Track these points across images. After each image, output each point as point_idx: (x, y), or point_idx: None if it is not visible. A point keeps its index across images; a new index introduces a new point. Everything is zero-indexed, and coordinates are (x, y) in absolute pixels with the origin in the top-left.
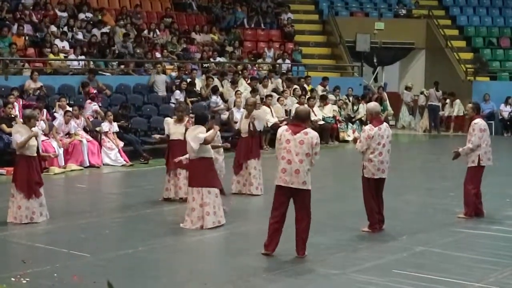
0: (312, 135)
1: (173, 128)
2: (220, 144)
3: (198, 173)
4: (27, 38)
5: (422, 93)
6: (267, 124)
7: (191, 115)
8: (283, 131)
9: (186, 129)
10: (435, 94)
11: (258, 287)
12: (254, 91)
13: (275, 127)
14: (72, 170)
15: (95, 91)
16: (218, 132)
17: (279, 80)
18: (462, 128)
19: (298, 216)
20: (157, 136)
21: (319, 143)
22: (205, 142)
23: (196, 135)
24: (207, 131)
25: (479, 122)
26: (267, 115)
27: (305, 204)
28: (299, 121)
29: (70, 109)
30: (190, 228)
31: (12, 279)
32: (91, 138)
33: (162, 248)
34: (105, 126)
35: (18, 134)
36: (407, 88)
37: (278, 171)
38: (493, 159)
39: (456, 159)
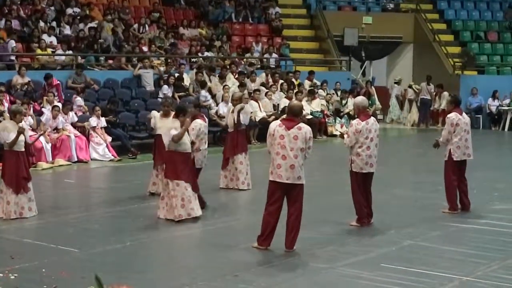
0: (305, 129)
1: (159, 122)
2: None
3: (170, 165)
4: (14, 33)
5: (410, 86)
6: (255, 118)
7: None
8: (276, 126)
9: None
10: (426, 88)
11: (247, 282)
12: (242, 85)
13: (263, 121)
14: (60, 165)
15: (58, 82)
16: (203, 127)
17: (263, 75)
18: None
19: (290, 210)
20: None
21: (312, 137)
22: (173, 139)
23: (169, 129)
24: (181, 125)
25: (451, 117)
26: (256, 110)
27: (299, 198)
28: (292, 116)
29: (58, 104)
30: (165, 217)
31: (0, 274)
32: (79, 133)
33: (150, 243)
34: (93, 121)
35: (6, 131)
36: (396, 82)
37: (273, 167)
38: (479, 153)
39: (436, 147)
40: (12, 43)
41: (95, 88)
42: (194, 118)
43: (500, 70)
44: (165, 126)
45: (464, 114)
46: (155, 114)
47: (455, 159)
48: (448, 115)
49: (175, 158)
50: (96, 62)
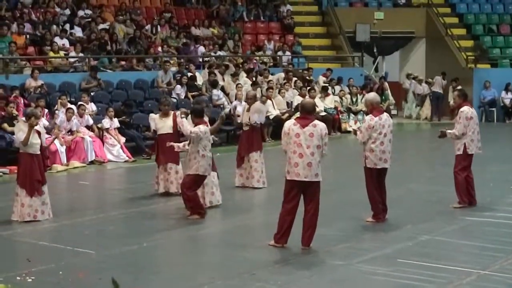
0: (321, 126)
1: (159, 123)
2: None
3: None
4: (27, 36)
5: (427, 82)
6: (269, 116)
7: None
8: (291, 125)
9: (174, 122)
10: (441, 82)
11: (264, 280)
12: (254, 84)
13: (277, 119)
14: (75, 167)
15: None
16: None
17: (282, 74)
18: None
19: (307, 208)
20: (148, 133)
21: (327, 133)
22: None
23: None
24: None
25: (465, 110)
26: (269, 108)
27: (316, 196)
28: (306, 114)
29: (72, 106)
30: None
31: (18, 278)
32: (93, 135)
33: (166, 243)
34: (105, 122)
35: (21, 132)
36: (414, 78)
37: (290, 166)
38: (494, 146)
39: (441, 138)
40: (202, 49)
41: (102, 85)
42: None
43: None
44: (166, 125)
45: (472, 107)
46: (153, 116)
47: (469, 152)
48: (462, 109)
49: None
50: (110, 64)
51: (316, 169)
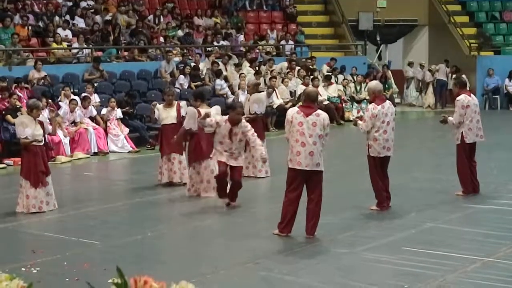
0: (324, 116)
1: (164, 113)
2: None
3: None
4: (29, 28)
5: (430, 70)
6: (272, 106)
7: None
8: (294, 113)
9: (178, 113)
10: (445, 70)
11: (269, 269)
12: (257, 73)
13: (281, 108)
14: (79, 159)
15: None
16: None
17: (285, 63)
18: None
19: (310, 197)
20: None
21: (329, 124)
22: None
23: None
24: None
25: (461, 99)
26: (272, 97)
27: (318, 185)
28: (310, 102)
29: (76, 97)
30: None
31: (23, 269)
32: (97, 126)
33: (171, 233)
34: (104, 110)
35: (21, 126)
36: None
37: (292, 154)
38: (497, 134)
39: (443, 123)
40: (241, 37)
41: (106, 77)
42: (234, 121)
43: None
44: (171, 115)
45: (472, 95)
46: (158, 106)
47: (467, 141)
48: (458, 98)
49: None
50: (117, 54)
51: (317, 159)
